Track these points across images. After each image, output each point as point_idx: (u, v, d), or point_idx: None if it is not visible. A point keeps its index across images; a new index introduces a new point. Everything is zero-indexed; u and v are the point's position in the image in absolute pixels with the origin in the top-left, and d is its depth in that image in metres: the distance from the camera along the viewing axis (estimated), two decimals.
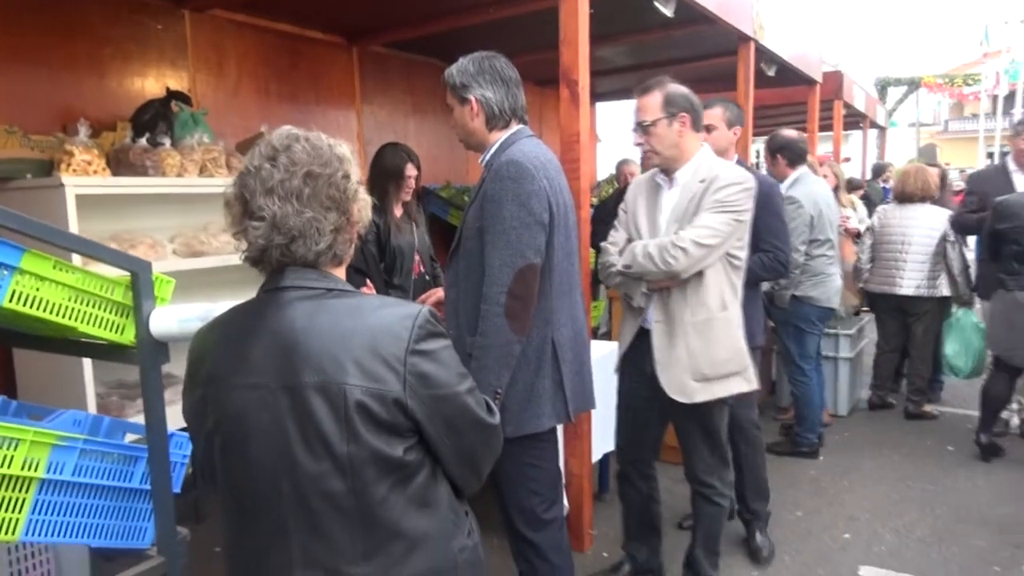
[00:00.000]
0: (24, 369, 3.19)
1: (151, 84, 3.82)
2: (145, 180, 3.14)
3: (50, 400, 2.27)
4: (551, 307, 2.10)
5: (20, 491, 1.44)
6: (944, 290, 4.76)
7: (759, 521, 3.25)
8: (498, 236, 1.98)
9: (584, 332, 2.26)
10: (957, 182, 9.69)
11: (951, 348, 4.71)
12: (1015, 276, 3.99)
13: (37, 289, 1.44)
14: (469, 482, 1.36)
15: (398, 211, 3.81)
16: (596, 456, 3.38)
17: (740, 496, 3.23)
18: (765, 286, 3.82)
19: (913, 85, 20.58)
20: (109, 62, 3.64)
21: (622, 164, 6.20)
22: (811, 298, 4.16)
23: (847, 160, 11.72)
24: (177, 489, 1.71)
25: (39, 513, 1.48)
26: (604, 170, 8.05)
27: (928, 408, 5.04)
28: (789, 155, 4.15)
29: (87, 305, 1.53)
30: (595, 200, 6.08)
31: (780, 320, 4.31)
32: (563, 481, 2.36)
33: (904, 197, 4.91)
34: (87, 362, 2.89)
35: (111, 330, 1.58)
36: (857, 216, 5.09)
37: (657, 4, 3.88)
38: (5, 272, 1.39)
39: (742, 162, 3.18)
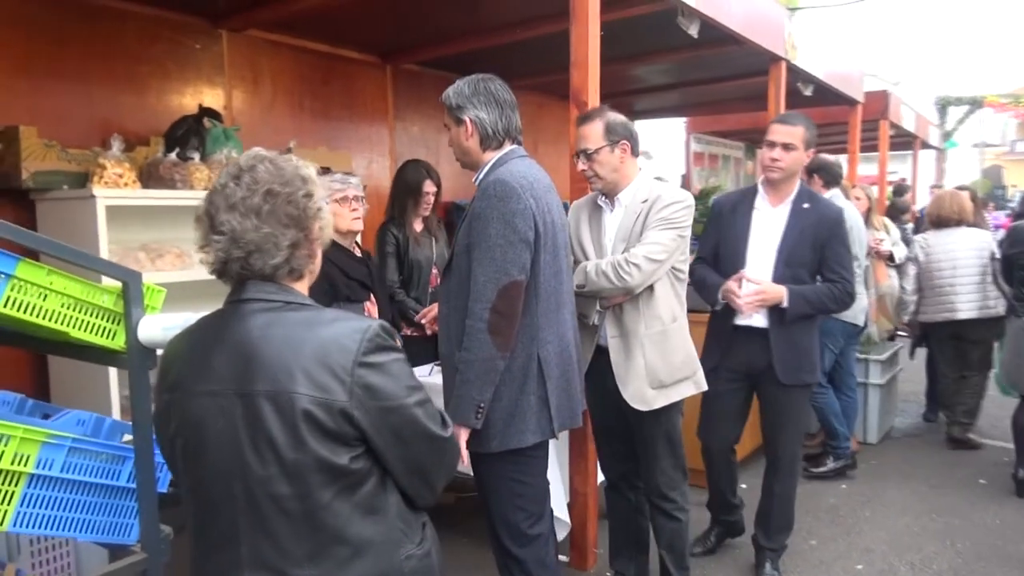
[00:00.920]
0: (57, 375, 3.36)
1: (188, 101, 3.97)
2: (172, 192, 3.27)
3: (79, 403, 2.38)
4: (537, 324, 2.13)
5: (10, 485, 1.53)
6: (1001, 308, 4.55)
7: (774, 553, 3.16)
8: (483, 253, 2.03)
9: (571, 349, 2.27)
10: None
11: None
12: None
13: (32, 296, 1.54)
14: (421, 493, 1.39)
15: (418, 225, 3.90)
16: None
17: (764, 525, 3.15)
18: None
19: (975, 104, 19.87)
20: (147, 79, 3.81)
21: None
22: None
23: (904, 180, 11.38)
24: (163, 488, 1.78)
25: (27, 506, 1.56)
26: None
27: (972, 436, 4.87)
28: (825, 176, 4.32)
29: (80, 312, 1.62)
30: None
31: None
32: (551, 497, 2.36)
33: (940, 222, 4.78)
34: (112, 368, 3.03)
35: (103, 336, 1.67)
36: (891, 239, 4.96)
37: (681, 24, 3.89)
38: (1, 278, 1.49)
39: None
